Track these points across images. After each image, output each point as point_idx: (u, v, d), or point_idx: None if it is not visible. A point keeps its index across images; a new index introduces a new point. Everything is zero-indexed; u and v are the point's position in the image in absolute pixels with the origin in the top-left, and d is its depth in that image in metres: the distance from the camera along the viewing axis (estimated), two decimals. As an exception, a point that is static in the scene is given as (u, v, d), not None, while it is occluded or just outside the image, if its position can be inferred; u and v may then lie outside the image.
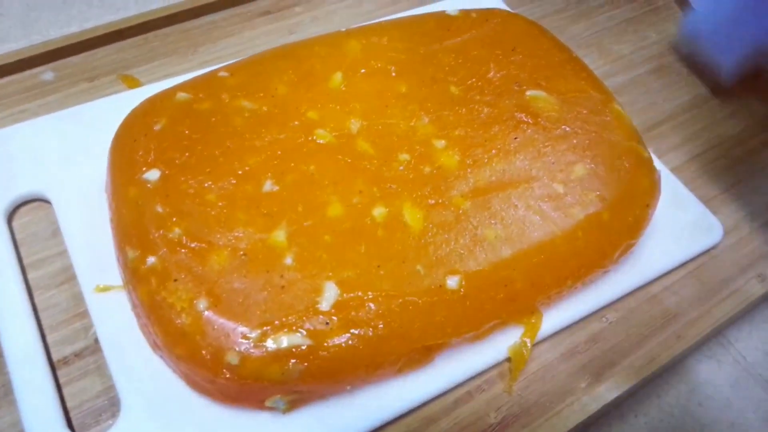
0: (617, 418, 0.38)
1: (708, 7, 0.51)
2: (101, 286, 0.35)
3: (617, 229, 0.37)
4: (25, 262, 0.37)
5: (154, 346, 0.32)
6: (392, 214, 0.34)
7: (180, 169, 0.35)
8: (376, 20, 0.49)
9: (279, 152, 0.36)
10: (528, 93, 0.41)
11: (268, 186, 0.35)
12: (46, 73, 0.48)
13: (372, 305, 0.31)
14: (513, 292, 0.34)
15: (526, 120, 0.39)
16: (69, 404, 0.33)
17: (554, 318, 0.37)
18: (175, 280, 0.31)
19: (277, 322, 0.30)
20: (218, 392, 0.31)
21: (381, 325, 0.31)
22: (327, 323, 0.30)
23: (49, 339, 0.35)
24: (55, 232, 0.38)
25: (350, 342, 0.30)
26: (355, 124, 0.38)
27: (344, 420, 0.32)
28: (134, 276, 0.32)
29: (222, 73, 0.40)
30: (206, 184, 0.34)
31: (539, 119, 0.39)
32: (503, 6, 0.54)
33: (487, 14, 0.45)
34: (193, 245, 0.32)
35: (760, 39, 0.48)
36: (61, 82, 0.47)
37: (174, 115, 0.37)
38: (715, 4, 0.50)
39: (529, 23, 0.46)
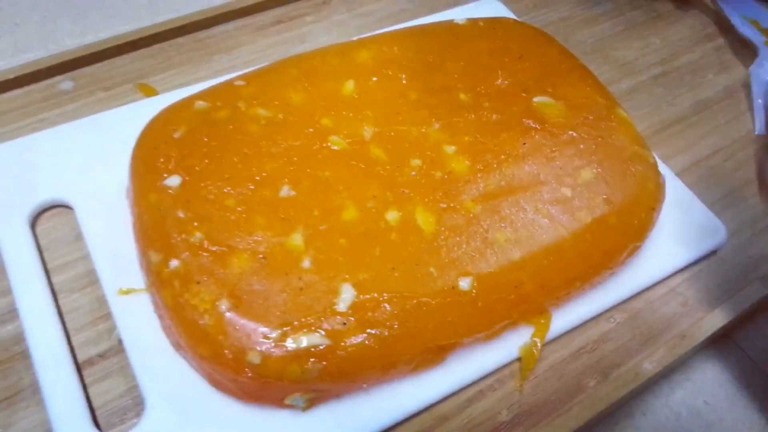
0: (625, 416, 0.39)
1: None
2: (124, 289, 0.36)
3: (624, 232, 0.38)
4: (49, 266, 0.38)
5: (177, 347, 0.34)
6: (405, 218, 0.36)
7: (200, 175, 0.36)
8: (386, 29, 0.50)
9: (295, 158, 0.37)
10: (535, 99, 0.42)
11: (285, 191, 0.36)
12: (64, 82, 0.49)
13: (387, 306, 0.32)
14: (523, 293, 0.35)
15: (533, 126, 0.40)
16: (94, 403, 0.34)
17: (563, 318, 0.38)
18: (198, 283, 0.32)
19: (296, 323, 0.31)
20: (240, 390, 0.32)
21: (396, 325, 0.32)
22: (344, 323, 0.31)
23: (74, 340, 0.36)
24: (77, 237, 0.39)
25: (366, 342, 0.31)
26: (367, 131, 0.39)
27: (360, 418, 0.33)
28: (158, 279, 0.33)
29: (238, 82, 0.41)
30: (225, 190, 0.35)
31: (546, 125, 0.40)
32: (509, 14, 0.55)
33: (494, 23, 0.47)
34: (214, 249, 0.33)
35: None
36: (78, 92, 0.48)
37: (193, 124, 0.38)
38: None
39: (536, 31, 0.47)
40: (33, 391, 0.34)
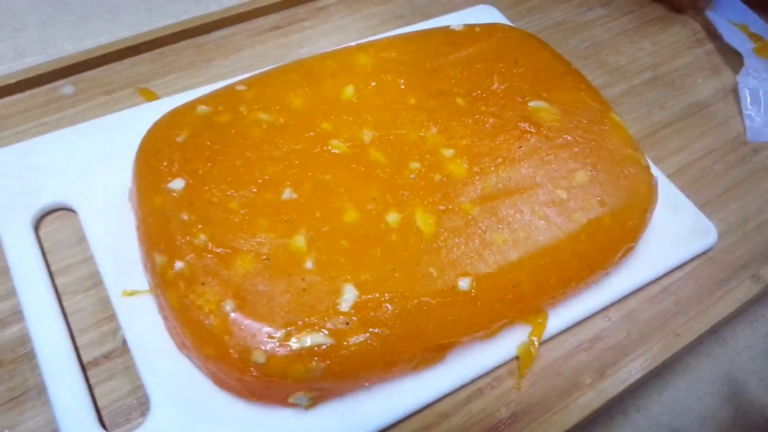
0: (620, 413, 0.40)
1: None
2: (128, 291, 0.37)
3: (618, 233, 0.39)
4: (53, 268, 0.39)
5: (182, 347, 0.34)
6: (405, 219, 0.36)
7: (203, 178, 0.36)
8: (382, 34, 0.51)
9: (296, 162, 0.38)
10: (530, 104, 0.43)
11: (287, 194, 0.36)
12: (65, 86, 0.49)
13: (389, 306, 0.33)
14: (520, 293, 0.36)
15: (529, 129, 0.41)
16: (100, 403, 0.34)
17: (559, 317, 0.38)
18: (203, 284, 0.33)
19: (300, 323, 0.32)
20: (244, 389, 0.33)
21: (397, 325, 0.33)
22: (347, 323, 0.32)
23: (79, 341, 0.36)
24: (80, 240, 0.40)
25: (369, 341, 0.32)
26: (367, 135, 0.40)
27: (362, 415, 0.34)
28: (163, 280, 0.33)
29: (239, 87, 0.42)
30: (229, 193, 0.36)
31: (542, 129, 0.41)
32: (504, 20, 0.56)
33: (489, 29, 0.48)
34: (218, 250, 0.34)
35: None
36: (80, 96, 0.49)
37: (195, 128, 0.39)
38: None
39: (530, 37, 0.48)
40: (39, 392, 0.34)
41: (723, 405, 0.40)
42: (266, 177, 0.37)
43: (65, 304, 0.37)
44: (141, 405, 0.34)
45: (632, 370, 0.38)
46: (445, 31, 0.47)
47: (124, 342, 0.36)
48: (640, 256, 0.41)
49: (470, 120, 0.41)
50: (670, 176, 0.48)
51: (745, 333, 0.44)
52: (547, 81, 0.44)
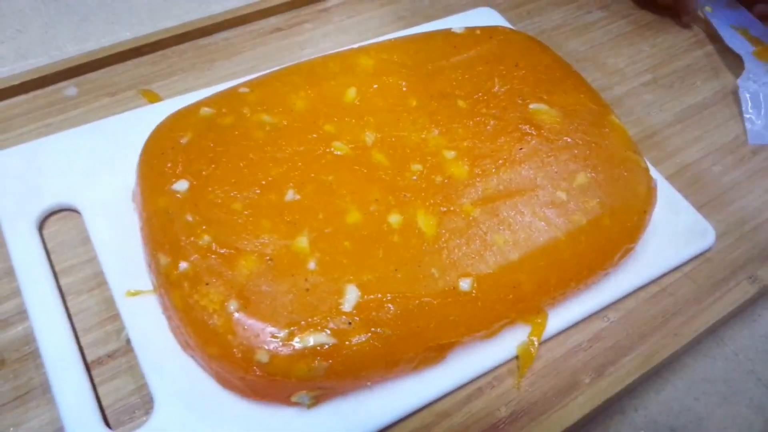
0: (618, 412, 0.40)
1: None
2: (132, 291, 0.37)
3: (617, 234, 0.39)
4: (57, 268, 0.39)
5: (186, 346, 0.34)
6: (407, 221, 0.37)
7: (207, 180, 0.37)
8: (383, 36, 0.51)
9: (299, 163, 0.38)
10: (531, 106, 0.43)
11: (290, 195, 0.37)
12: (68, 88, 0.50)
13: (391, 306, 0.33)
14: (521, 294, 0.36)
15: (530, 131, 0.41)
16: (104, 402, 0.34)
17: (559, 317, 0.39)
18: (207, 284, 0.33)
19: (303, 323, 0.32)
20: (248, 388, 0.33)
21: (399, 325, 0.33)
22: (349, 323, 0.32)
23: (83, 341, 0.36)
24: (84, 240, 0.40)
25: (371, 340, 0.33)
26: (369, 137, 0.40)
27: (364, 414, 0.34)
28: (167, 280, 0.34)
29: (242, 89, 0.42)
30: (232, 194, 0.36)
31: (542, 131, 0.42)
32: (504, 23, 0.56)
33: (490, 31, 0.48)
34: (222, 251, 0.34)
35: None
36: (83, 97, 0.49)
37: (199, 129, 0.39)
38: None
39: (530, 40, 0.49)
40: (43, 391, 0.35)
41: (721, 405, 0.41)
42: (269, 178, 0.37)
43: (69, 303, 0.38)
44: (145, 404, 0.34)
45: (631, 370, 0.38)
46: (446, 33, 0.48)
47: (128, 341, 0.36)
48: (639, 257, 0.42)
49: (471, 122, 0.42)
50: (669, 178, 0.48)
51: (743, 333, 0.44)
52: (547, 83, 0.45)
